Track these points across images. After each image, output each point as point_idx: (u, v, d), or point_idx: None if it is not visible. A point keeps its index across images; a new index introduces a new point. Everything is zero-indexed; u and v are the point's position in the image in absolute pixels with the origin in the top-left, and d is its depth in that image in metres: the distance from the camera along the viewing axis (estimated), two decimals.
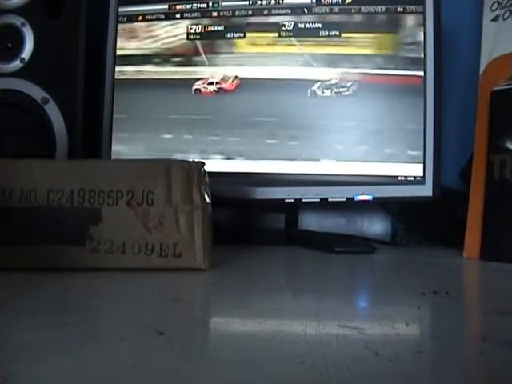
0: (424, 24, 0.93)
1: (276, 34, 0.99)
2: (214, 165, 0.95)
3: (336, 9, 0.97)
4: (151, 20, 1.04)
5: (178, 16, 1.03)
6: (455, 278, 0.74)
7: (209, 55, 1.01)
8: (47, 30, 0.99)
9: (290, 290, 0.60)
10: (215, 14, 1.01)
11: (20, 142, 0.98)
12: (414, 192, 0.93)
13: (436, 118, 0.92)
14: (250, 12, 1.00)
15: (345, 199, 0.95)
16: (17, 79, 0.98)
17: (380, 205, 1.10)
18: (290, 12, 0.98)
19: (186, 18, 1.02)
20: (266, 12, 0.99)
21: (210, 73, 1.00)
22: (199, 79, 1.01)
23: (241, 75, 0.99)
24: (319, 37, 0.97)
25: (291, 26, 0.98)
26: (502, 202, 0.84)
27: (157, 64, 1.03)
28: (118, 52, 1.04)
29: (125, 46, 1.04)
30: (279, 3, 0.99)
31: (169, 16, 1.03)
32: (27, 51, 0.99)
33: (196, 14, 1.02)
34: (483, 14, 0.94)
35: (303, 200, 0.95)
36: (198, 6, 1.02)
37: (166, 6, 1.03)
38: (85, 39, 1.00)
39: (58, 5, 0.99)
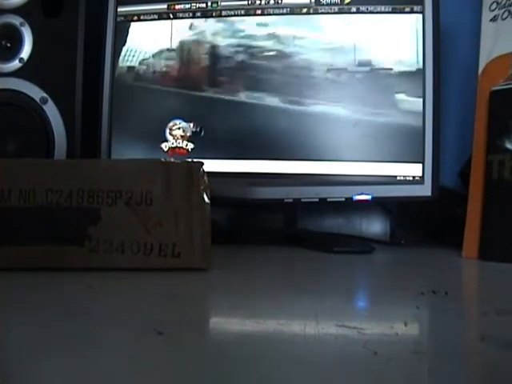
0: (423, 24, 0.93)
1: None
2: (214, 165, 0.95)
3: (335, 9, 0.97)
4: (150, 20, 1.03)
5: (177, 16, 1.03)
6: (454, 278, 0.74)
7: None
8: (46, 30, 0.99)
9: (288, 289, 0.60)
10: (214, 13, 1.01)
11: (19, 141, 0.98)
12: (413, 192, 0.93)
13: (435, 117, 0.92)
14: (249, 12, 1.00)
15: (344, 199, 0.95)
16: (16, 79, 0.98)
17: (379, 205, 1.10)
18: (289, 12, 0.98)
19: (185, 17, 1.02)
20: (265, 12, 0.99)
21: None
22: None
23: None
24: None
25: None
26: (501, 202, 0.84)
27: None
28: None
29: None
30: (278, 3, 0.99)
31: (168, 16, 1.03)
32: (26, 51, 0.99)
33: (195, 14, 1.02)
34: (482, 14, 0.94)
35: (302, 200, 0.95)
36: (197, 5, 1.02)
37: (165, 6, 1.03)
38: (84, 39, 1.00)
39: (56, 4, 0.99)
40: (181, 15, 1.03)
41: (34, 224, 0.63)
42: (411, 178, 0.93)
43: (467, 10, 1.04)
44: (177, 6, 1.03)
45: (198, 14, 1.02)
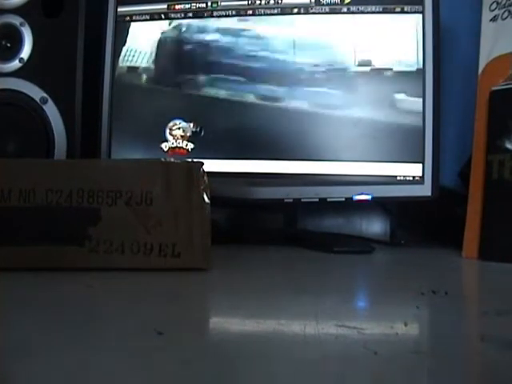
0: (423, 24, 0.93)
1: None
2: (213, 165, 0.95)
3: (335, 9, 0.97)
4: (150, 20, 1.03)
5: (176, 16, 1.03)
6: (454, 278, 0.74)
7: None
8: (46, 30, 0.99)
9: (288, 289, 0.60)
10: (214, 13, 1.01)
11: (19, 141, 0.98)
12: (413, 192, 0.93)
13: (435, 117, 0.92)
14: (249, 12, 1.00)
15: (344, 199, 0.95)
16: (16, 79, 0.98)
17: (379, 205, 1.10)
18: (289, 12, 0.98)
19: (185, 17, 1.02)
20: (264, 12, 0.99)
21: None
22: None
23: None
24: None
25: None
26: (501, 202, 0.84)
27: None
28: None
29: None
30: (278, 3, 0.99)
31: (168, 16, 1.03)
32: (26, 51, 0.99)
33: (195, 14, 1.02)
34: (482, 14, 0.94)
35: (302, 200, 0.95)
36: (197, 5, 1.02)
37: (165, 6, 1.03)
38: (84, 39, 1.00)
39: (56, 4, 0.99)
40: (181, 15, 1.03)
41: (34, 224, 0.63)
42: (411, 178, 0.93)
43: (467, 10, 1.04)
44: (177, 6, 1.03)
45: (198, 14, 1.02)
